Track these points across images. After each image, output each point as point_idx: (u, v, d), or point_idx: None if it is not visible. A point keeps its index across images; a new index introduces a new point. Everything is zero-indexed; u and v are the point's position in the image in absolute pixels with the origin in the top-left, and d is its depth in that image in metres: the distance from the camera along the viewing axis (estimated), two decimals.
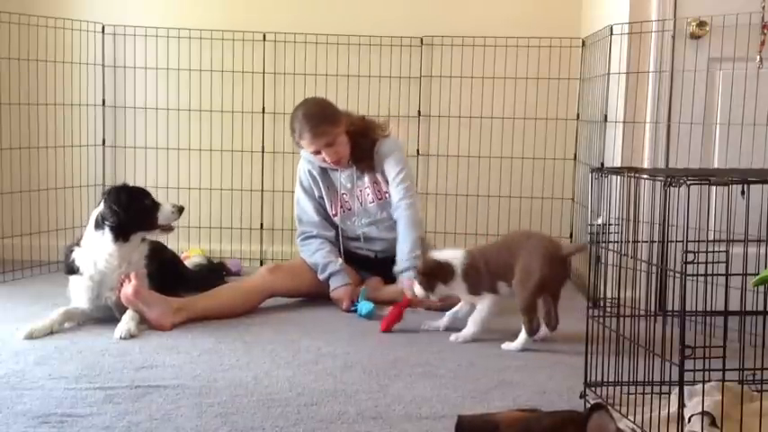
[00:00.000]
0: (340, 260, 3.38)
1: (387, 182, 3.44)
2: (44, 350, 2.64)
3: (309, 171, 3.46)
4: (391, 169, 3.40)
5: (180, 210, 3.10)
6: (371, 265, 3.51)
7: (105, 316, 2.99)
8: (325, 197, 3.48)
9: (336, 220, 3.49)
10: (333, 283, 3.34)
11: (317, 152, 3.33)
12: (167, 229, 3.11)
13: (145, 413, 2.10)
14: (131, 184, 3.21)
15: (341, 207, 3.47)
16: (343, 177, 3.44)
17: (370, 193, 3.45)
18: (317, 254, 3.38)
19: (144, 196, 3.07)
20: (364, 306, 3.19)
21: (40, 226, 4.00)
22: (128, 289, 2.86)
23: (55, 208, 4.06)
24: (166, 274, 3.20)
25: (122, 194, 3.00)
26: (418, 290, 2.94)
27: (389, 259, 3.47)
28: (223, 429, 2.01)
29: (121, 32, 4.17)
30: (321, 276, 3.35)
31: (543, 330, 2.87)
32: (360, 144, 3.40)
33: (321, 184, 3.46)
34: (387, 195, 3.45)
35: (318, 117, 3.30)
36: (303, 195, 3.50)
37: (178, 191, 4.18)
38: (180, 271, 3.46)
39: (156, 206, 3.06)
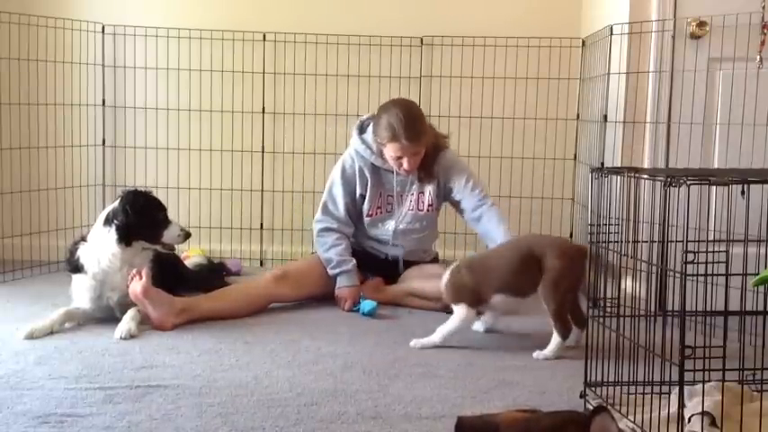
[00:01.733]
0: (353, 260, 3.37)
1: (436, 195, 3.42)
2: (44, 350, 2.64)
3: (360, 168, 3.38)
4: (460, 179, 3.38)
5: (186, 235, 3.11)
6: (379, 265, 3.49)
7: (106, 316, 2.99)
8: (367, 196, 3.41)
9: (367, 220, 3.44)
10: (340, 282, 3.33)
11: (400, 157, 3.27)
12: (169, 247, 3.12)
13: (145, 413, 2.10)
14: (139, 187, 3.20)
15: (378, 208, 3.43)
16: (396, 180, 3.39)
17: (412, 202, 3.41)
18: (333, 250, 3.36)
19: (159, 210, 3.07)
20: (367, 304, 3.20)
21: (40, 226, 4.00)
22: (136, 287, 2.87)
23: (55, 208, 4.06)
24: (166, 274, 3.20)
25: (139, 199, 3.01)
26: None
27: (397, 262, 3.47)
28: (223, 429, 2.01)
29: (121, 32, 4.17)
30: (331, 271, 3.35)
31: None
32: (428, 154, 3.36)
33: (369, 183, 3.39)
34: (430, 209, 3.42)
35: (418, 126, 3.25)
36: (340, 187, 3.41)
37: (178, 191, 4.18)
38: (180, 271, 3.45)
39: (166, 223, 3.07)
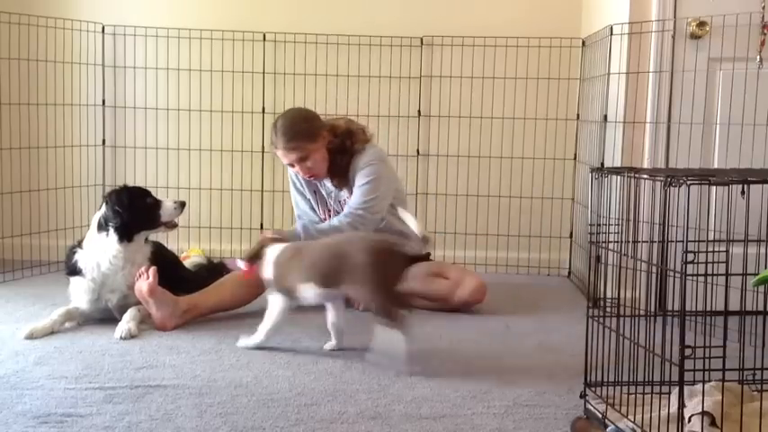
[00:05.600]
0: None
1: None
2: (44, 350, 2.64)
3: (297, 175, 3.41)
4: (359, 179, 3.25)
5: (182, 205, 3.11)
6: None
7: (105, 316, 2.99)
8: (312, 201, 3.46)
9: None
10: None
11: (291, 165, 3.27)
12: (171, 225, 3.12)
13: (145, 413, 2.10)
14: (131, 184, 3.21)
15: (328, 211, 3.43)
16: (328, 185, 3.39)
17: None
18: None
19: (144, 195, 3.07)
20: None
21: (40, 226, 4.00)
22: (143, 285, 2.86)
23: (55, 208, 4.06)
24: (166, 275, 3.19)
25: (123, 195, 3.01)
26: None
27: None
28: (223, 429, 2.01)
29: (121, 32, 4.17)
30: None
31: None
32: (337, 161, 3.29)
33: (307, 190, 3.44)
34: None
35: (294, 131, 3.18)
36: (299, 197, 3.48)
37: (178, 191, 4.17)
38: (179, 272, 3.44)
39: (157, 204, 3.07)
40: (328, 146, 3.26)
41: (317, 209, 3.46)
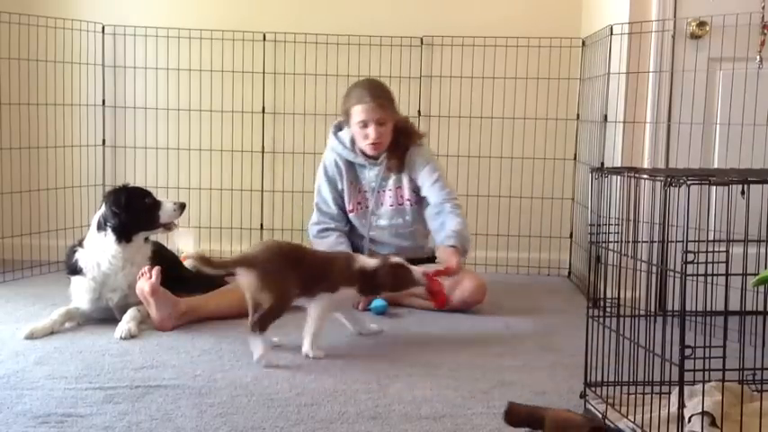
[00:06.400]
0: None
1: (411, 189, 3.41)
2: (44, 350, 2.64)
3: (336, 161, 3.44)
4: (428, 176, 3.36)
5: (182, 206, 3.10)
6: None
7: (105, 316, 2.99)
8: (345, 190, 3.45)
9: (351, 216, 3.47)
10: None
11: (365, 125, 3.29)
12: (170, 227, 3.12)
13: (145, 413, 2.10)
14: (132, 184, 3.21)
15: (359, 204, 3.45)
16: (371, 174, 3.42)
17: (391, 197, 3.41)
18: (337, 249, 3.35)
19: (144, 196, 3.07)
20: (378, 303, 3.22)
21: (40, 226, 4.00)
22: (145, 285, 2.86)
23: (55, 208, 4.06)
24: (166, 275, 3.19)
25: (122, 195, 3.00)
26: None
27: None
28: (223, 429, 2.01)
29: (121, 32, 4.17)
30: None
31: None
32: (398, 143, 3.39)
33: (345, 177, 3.43)
34: (408, 203, 3.42)
35: (382, 93, 3.34)
36: (326, 185, 3.47)
37: (178, 191, 4.17)
38: (180, 272, 3.44)
39: (156, 205, 3.07)
40: (396, 124, 3.39)
41: (346, 200, 3.45)
